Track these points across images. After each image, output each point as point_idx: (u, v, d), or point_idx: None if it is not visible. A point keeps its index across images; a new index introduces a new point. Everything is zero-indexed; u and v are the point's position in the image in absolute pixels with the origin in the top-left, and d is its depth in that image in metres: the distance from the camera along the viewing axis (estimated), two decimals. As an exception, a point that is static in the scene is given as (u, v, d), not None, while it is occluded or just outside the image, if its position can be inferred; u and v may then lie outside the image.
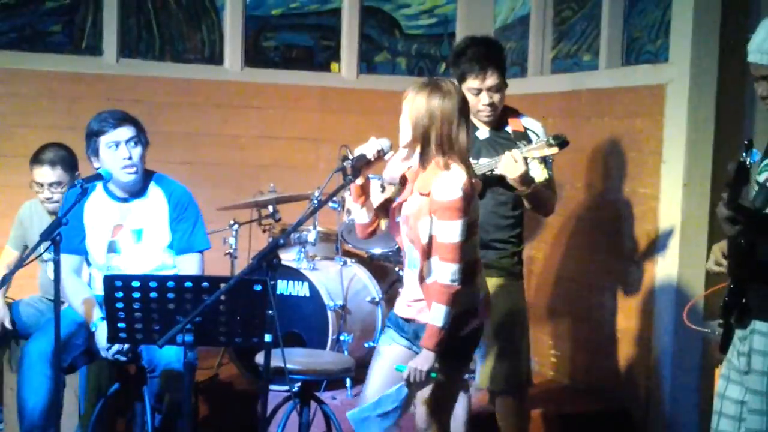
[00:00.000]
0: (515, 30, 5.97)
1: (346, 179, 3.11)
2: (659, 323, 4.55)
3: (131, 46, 5.78)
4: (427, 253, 3.12)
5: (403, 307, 3.29)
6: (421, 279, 3.16)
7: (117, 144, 3.76)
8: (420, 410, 3.26)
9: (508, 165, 3.60)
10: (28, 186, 4.36)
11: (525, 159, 3.61)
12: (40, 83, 5.53)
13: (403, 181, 3.27)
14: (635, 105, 4.76)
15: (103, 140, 3.77)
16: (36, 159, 4.30)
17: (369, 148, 3.14)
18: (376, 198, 3.34)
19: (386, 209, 3.32)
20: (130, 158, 3.77)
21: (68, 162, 4.28)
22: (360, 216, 3.30)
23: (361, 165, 3.11)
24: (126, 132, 3.78)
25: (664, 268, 4.52)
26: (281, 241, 2.98)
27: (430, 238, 3.11)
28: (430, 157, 3.11)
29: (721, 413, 2.90)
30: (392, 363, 3.26)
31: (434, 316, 3.09)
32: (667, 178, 4.50)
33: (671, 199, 4.47)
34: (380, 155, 3.13)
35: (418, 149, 3.15)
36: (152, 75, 5.73)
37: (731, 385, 2.88)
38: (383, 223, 3.37)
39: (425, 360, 3.11)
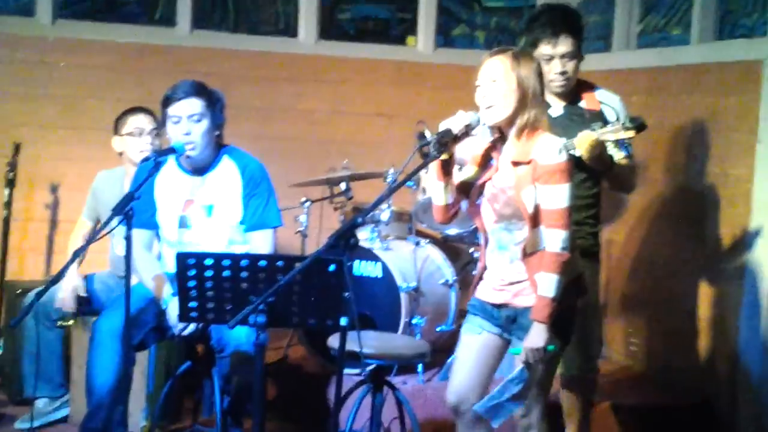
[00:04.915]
0: (599, 2, 5.76)
1: (430, 155, 2.92)
2: (748, 313, 4.33)
3: (205, 18, 5.71)
4: (534, 224, 2.97)
5: (491, 293, 3.13)
6: (524, 254, 2.99)
7: (179, 118, 3.68)
8: None
9: (583, 143, 3.43)
10: (100, 159, 4.30)
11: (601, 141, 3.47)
12: (112, 54, 5.48)
13: (477, 159, 3.09)
14: (728, 82, 4.53)
15: (169, 112, 3.71)
16: (129, 111, 4.28)
17: (456, 122, 2.94)
18: (455, 179, 3.17)
19: (465, 191, 3.14)
20: (188, 134, 3.67)
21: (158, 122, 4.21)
22: (441, 197, 3.10)
23: (447, 141, 2.92)
24: (190, 107, 3.68)
25: (755, 254, 4.30)
26: (360, 220, 2.83)
27: (536, 207, 2.95)
28: (527, 125, 2.98)
29: None
30: (487, 353, 3.13)
31: (545, 286, 2.93)
32: (763, 159, 4.27)
33: (766, 181, 4.24)
34: (468, 130, 2.95)
35: (509, 119, 2.99)
36: (225, 47, 5.67)
37: None
38: (463, 205, 3.19)
39: (539, 335, 2.94)
